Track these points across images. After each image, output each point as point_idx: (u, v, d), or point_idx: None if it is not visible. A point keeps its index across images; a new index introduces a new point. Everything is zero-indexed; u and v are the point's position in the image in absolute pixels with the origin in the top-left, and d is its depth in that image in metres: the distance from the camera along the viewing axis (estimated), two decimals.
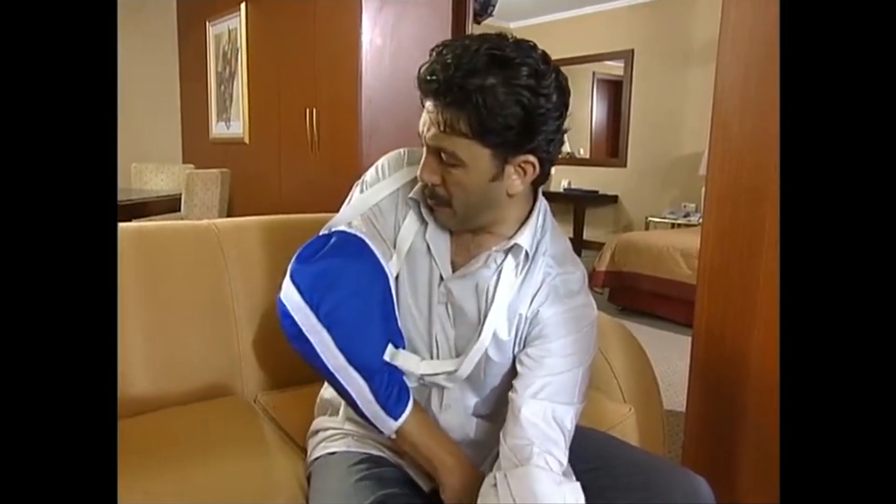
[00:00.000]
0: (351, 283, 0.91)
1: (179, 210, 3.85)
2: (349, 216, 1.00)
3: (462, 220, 0.93)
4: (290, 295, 0.91)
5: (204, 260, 1.47)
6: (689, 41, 5.57)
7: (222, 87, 4.51)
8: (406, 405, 0.93)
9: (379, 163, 1.04)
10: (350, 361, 0.89)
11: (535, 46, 0.86)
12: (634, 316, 3.93)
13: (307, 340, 0.89)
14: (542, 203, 0.99)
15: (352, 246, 0.94)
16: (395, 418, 0.91)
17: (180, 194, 3.86)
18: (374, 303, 0.92)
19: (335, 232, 0.97)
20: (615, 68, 6.30)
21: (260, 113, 4.11)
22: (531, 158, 0.88)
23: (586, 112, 6.75)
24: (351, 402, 0.93)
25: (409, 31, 3.29)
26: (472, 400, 1.01)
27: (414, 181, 0.97)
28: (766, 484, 1.72)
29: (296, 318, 0.90)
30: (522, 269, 0.95)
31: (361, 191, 1.03)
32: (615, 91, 6.34)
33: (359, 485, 0.92)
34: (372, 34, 3.18)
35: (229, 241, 1.50)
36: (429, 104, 0.86)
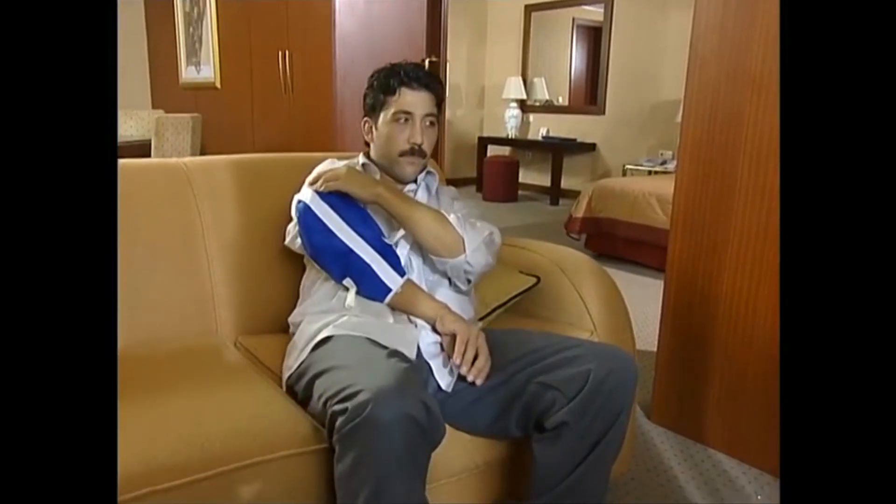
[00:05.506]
0: (349, 201, 1.32)
1: (150, 156, 3.76)
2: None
3: (424, 164, 1.40)
4: (312, 198, 1.30)
5: (173, 197, 1.44)
6: None
7: (191, 30, 4.35)
8: (403, 266, 1.31)
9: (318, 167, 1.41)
10: (361, 236, 1.28)
11: None
12: (611, 262, 3.97)
13: (329, 231, 1.27)
14: None
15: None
16: (402, 275, 1.29)
17: (150, 140, 3.76)
18: (365, 211, 1.33)
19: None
20: (595, 14, 6.20)
21: (231, 56, 3.99)
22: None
23: (565, 59, 6.66)
24: (365, 272, 1.27)
25: None
26: (422, 269, 1.36)
27: (353, 164, 1.41)
28: (729, 415, 1.79)
29: (317, 211, 1.29)
30: (435, 188, 1.46)
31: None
32: (595, 38, 6.25)
33: (371, 345, 1.16)
34: None
35: (199, 179, 1.48)
36: (419, 93, 1.33)
